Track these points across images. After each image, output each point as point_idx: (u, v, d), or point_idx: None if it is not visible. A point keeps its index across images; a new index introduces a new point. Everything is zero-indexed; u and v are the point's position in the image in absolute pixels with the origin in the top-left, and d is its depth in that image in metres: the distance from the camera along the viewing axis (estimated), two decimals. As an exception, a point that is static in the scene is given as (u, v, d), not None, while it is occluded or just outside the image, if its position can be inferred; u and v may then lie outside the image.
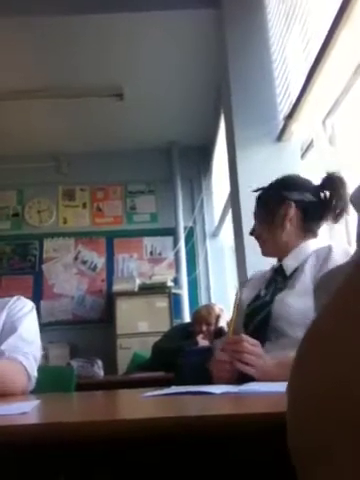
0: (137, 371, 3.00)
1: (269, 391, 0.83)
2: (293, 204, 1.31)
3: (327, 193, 1.32)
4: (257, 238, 1.40)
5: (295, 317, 1.15)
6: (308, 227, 1.33)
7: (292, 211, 1.31)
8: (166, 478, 0.70)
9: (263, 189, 1.41)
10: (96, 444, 0.60)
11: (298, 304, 1.16)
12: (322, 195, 1.33)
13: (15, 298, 1.41)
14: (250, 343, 1.05)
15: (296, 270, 1.27)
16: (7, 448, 0.58)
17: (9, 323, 1.33)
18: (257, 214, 1.39)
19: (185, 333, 3.10)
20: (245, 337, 1.07)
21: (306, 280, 1.20)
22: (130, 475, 0.72)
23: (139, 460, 0.64)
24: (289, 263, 1.30)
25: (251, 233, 1.41)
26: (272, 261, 1.42)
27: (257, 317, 1.24)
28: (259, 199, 1.40)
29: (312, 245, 1.30)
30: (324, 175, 1.36)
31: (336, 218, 1.31)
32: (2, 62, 3.36)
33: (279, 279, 1.30)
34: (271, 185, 1.39)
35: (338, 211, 1.29)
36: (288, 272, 1.29)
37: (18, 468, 0.68)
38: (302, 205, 1.31)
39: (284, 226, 1.31)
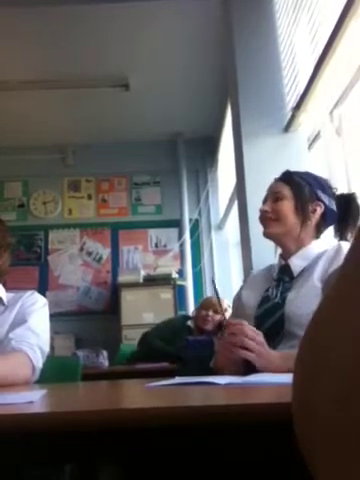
0: (128, 363, 3.00)
1: (274, 382, 0.83)
2: (322, 206, 1.35)
3: (341, 208, 1.38)
4: (270, 214, 1.34)
5: (305, 319, 1.16)
6: (321, 231, 1.38)
7: (319, 211, 1.35)
8: (171, 467, 0.71)
9: (296, 175, 1.39)
10: (102, 433, 0.60)
11: (308, 306, 1.18)
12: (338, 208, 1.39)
13: (30, 292, 1.43)
14: (250, 329, 1.05)
15: (304, 270, 1.29)
16: (14, 437, 0.59)
17: (20, 315, 1.34)
18: (284, 194, 1.35)
19: (179, 327, 3.10)
20: (245, 323, 1.08)
21: (315, 281, 1.22)
22: (135, 464, 0.73)
23: (144, 449, 0.64)
24: (297, 263, 1.31)
25: (265, 210, 1.35)
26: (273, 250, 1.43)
27: (269, 319, 1.25)
28: (293, 183, 1.36)
29: (318, 246, 1.34)
30: (343, 194, 1.42)
31: (342, 234, 1.37)
32: (6, 53, 3.35)
33: (286, 279, 1.31)
34: (307, 177, 1.39)
35: (345, 227, 1.37)
36: (295, 272, 1.30)
37: (25, 457, 0.69)
38: (326, 210, 1.36)
39: (307, 221, 1.33)
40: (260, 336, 1.06)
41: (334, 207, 1.37)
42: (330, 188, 1.40)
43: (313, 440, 0.24)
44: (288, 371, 0.95)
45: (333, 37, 1.77)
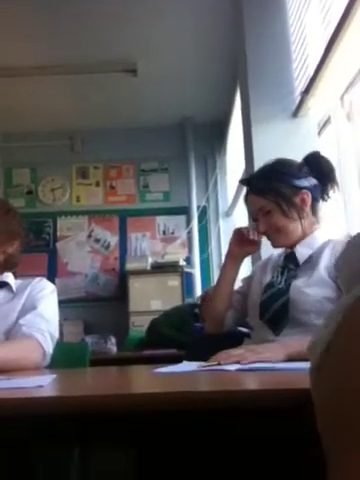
0: (136, 349, 3.02)
1: (284, 368, 0.84)
2: (308, 191, 1.32)
3: (314, 173, 1.35)
4: (268, 231, 1.34)
5: (311, 305, 1.19)
6: (317, 209, 1.36)
7: (308, 198, 1.32)
8: (179, 451, 0.72)
9: (262, 179, 1.36)
10: (109, 418, 0.61)
11: (314, 293, 1.19)
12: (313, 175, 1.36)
13: (38, 279, 1.44)
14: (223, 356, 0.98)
15: (309, 258, 1.29)
16: (24, 419, 0.59)
17: (30, 301, 1.35)
18: (267, 207, 1.32)
19: (187, 315, 3.10)
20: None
21: (321, 270, 1.22)
22: (144, 448, 0.74)
23: (152, 434, 0.65)
24: (303, 251, 1.31)
25: (263, 231, 1.35)
26: None
27: (274, 304, 1.25)
28: (267, 193, 1.33)
29: (322, 234, 1.33)
30: (306, 155, 1.38)
31: (325, 197, 1.35)
32: (14, 38, 3.33)
33: (291, 266, 1.31)
34: (277, 175, 1.34)
35: (328, 189, 1.34)
36: (301, 260, 1.30)
37: (35, 440, 0.70)
38: (311, 191, 1.33)
39: (303, 214, 1.31)
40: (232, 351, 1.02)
41: (315, 181, 1.33)
42: (301, 166, 1.36)
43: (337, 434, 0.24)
44: (287, 357, 0.96)
45: (344, 19, 1.73)
